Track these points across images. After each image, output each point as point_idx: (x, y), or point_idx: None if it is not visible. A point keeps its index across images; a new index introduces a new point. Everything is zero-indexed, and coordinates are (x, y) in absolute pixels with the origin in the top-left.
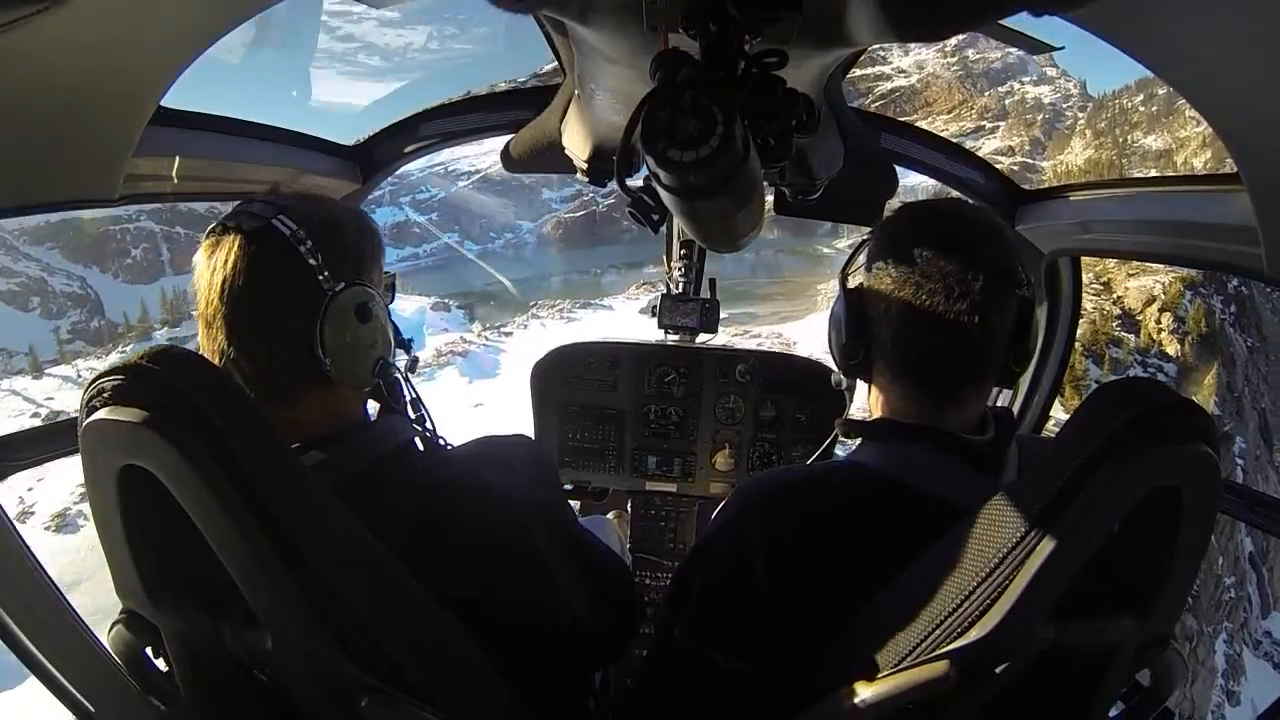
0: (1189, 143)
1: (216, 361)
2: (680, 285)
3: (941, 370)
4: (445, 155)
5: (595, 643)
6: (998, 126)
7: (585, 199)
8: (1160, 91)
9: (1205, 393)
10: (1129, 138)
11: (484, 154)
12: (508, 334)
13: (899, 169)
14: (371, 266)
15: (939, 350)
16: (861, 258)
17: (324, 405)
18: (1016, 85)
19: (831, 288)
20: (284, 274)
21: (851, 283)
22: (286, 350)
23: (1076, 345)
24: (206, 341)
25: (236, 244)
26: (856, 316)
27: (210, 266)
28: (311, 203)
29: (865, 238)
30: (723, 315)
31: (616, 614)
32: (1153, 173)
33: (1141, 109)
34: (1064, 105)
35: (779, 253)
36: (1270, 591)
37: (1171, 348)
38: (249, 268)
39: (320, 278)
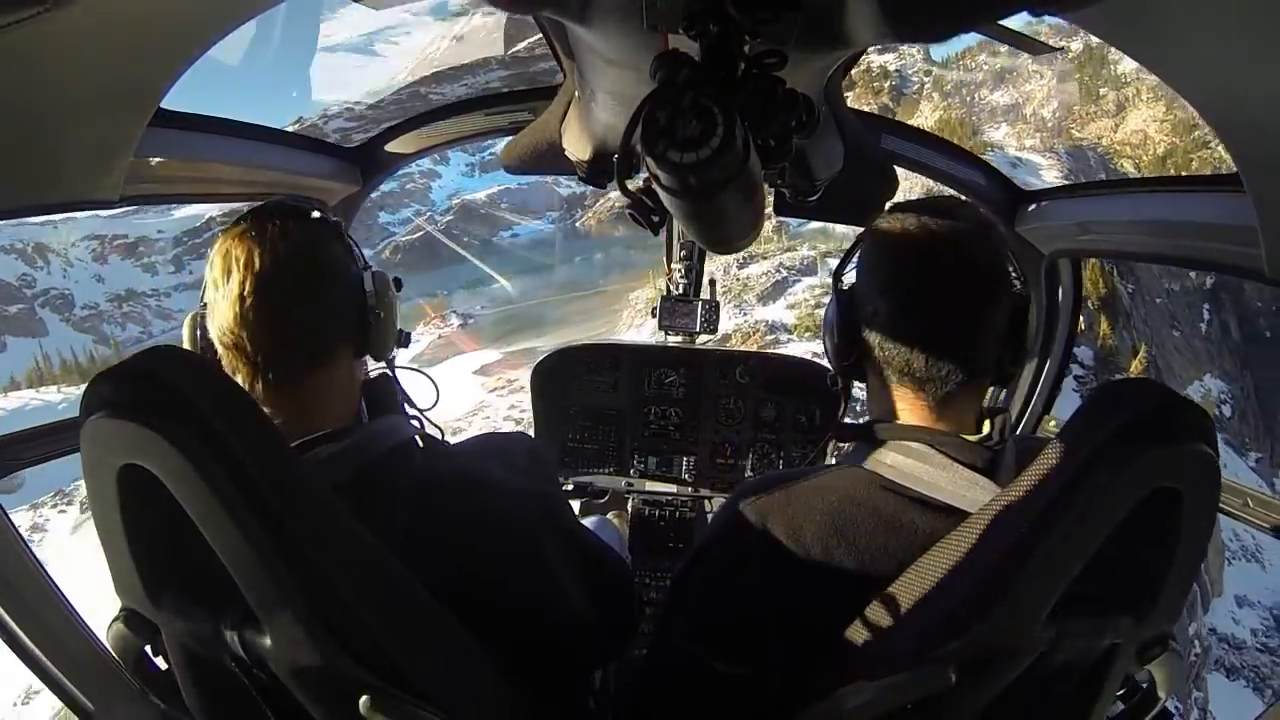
0: (1034, 96)
1: (242, 330)
2: (680, 286)
3: (935, 371)
4: None
5: (595, 639)
6: (846, 96)
7: (422, 219)
8: (1002, 49)
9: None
10: (976, 96)
11: None
12: None
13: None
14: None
15: (932, 352)
16: (855, 258)
17: (333, 390)
18: (861, 54)
19: (643, 296)
20: (330, 246)
21: (844, 283)
22: (332, 309)
23: None
24: (231, 315)
25: (283, 222)
26: (848, 318)
27: (248, 245)
28: (317, 207)
29: (859, 237)
30: (495, 357)
31: (616, 610)
32: (1003, 127)
33: (985, 68)
34: (910, 70)
35: (631, 249)
36: (1208, 577)
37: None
38: (300, 238)
39: (355, 254)
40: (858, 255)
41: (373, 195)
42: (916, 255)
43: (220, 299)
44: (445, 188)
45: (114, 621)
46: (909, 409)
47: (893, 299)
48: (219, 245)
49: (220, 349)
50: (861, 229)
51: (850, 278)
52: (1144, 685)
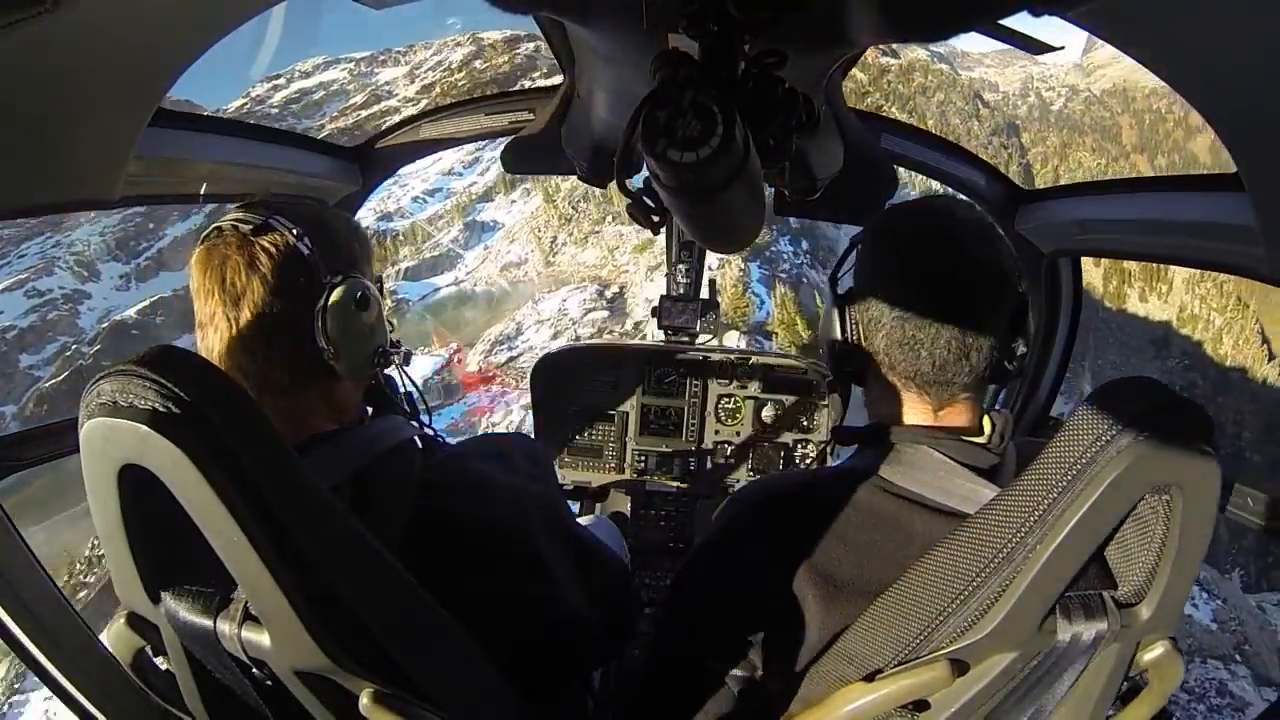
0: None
1: (227, 358)
2: (681, 286)
3: (940, 374)
4: None
5: (593, 639)
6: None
7: (68, 355)
8: None
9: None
10: None
11: None
12: None
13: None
14: (363, 264)
15: (935, 353)
16: (851, 259)
17: (324, 400)
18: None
19: None
20: (284, 268)
21: (842, 286)
22: (289, 343)
23: None
24: (202, 342)
25: (234, 243)
26: (850, 321)
27: (207, 269)
28: (302, 204)
29: (855, 238)
30: None
31: (614, 611)
32: None
33: None
34: None
35: None
36: None
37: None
38: (249, 264)
39: (318, 270)
40: (857, 258)
41: (9, 335)
42: (922, 257)
43: (202, 318)
44: (95, 310)
45: (114, 623)
46: (912, 411)
47: (897, 301)
48: (196, 256)
49: None
50: (858, 229)
51: (849, 280)
52: (1144, 685)
